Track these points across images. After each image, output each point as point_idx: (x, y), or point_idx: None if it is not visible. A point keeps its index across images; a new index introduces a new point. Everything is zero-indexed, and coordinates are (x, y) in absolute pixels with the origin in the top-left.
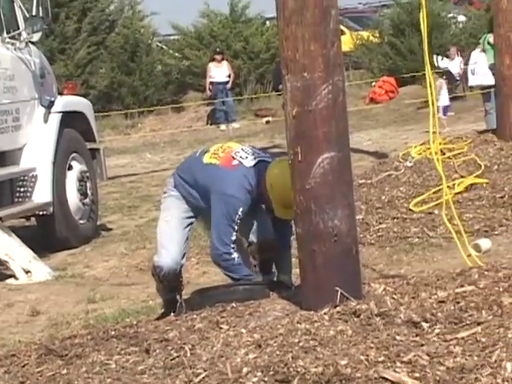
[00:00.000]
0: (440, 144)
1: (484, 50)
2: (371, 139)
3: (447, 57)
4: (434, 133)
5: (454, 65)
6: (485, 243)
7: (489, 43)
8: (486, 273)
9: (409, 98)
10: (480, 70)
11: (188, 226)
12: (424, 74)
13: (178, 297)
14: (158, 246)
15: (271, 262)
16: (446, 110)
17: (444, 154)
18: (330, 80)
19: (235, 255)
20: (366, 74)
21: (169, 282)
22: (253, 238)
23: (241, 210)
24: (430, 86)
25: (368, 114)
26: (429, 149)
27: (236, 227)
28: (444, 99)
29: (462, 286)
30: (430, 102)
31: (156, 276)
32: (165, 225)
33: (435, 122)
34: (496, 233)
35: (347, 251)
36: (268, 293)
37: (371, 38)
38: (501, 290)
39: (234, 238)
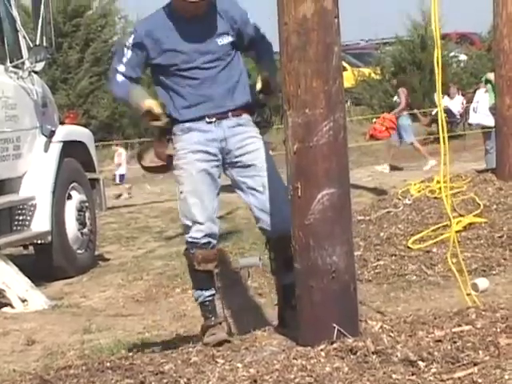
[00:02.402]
0: (438, 182)
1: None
2: (371, 175)
3: (448, 95)
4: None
5: (455, 103)
6: (482, 283)
7: (490, 82)
8: (483, 313)
9: None
10: (482, 109)
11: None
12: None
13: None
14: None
15: (291, 257)
16: (122, 178)
17: (445, 191)
18: (332, 117)
19: (120, 74)
20: (366, 110)
21: (208, 259)
22: (265, 225)
23: (132, 37)
24: (442, 125)
25: (368, 151)
26: (428, 187)
27: (127, 55)
28: (122, 168)
29: (460, 325)
30: (441, 141)
31: (193, 255)
32: None
33: (446, 160)
34: (494, 272)
35: (345, 288)
36: None
37: (372, 74)
38: (498, 330)
39: (121, 65)
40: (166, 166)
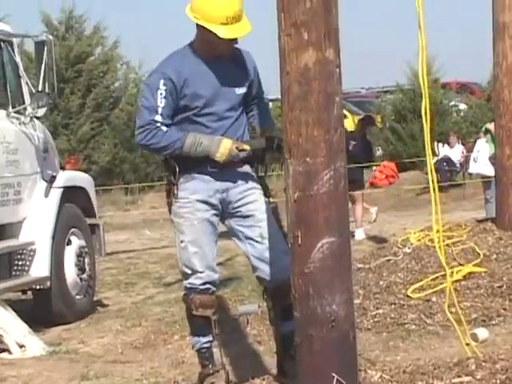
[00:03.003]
0: (439, 231)
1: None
2: (370, 223)
3: (448, 144)
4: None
5: (455, 152)
6: (482, 333)
7: (489, 132)
8: (483, 364)
9: (409, 183)
10: (482, 159)
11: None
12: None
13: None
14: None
15: (291, 305)
16: None
17: (443, 241)
18: (332, 166)
19: (160, 124)
20: None
21: (206, 305)
22: (263, 275)
23: (162, 82)
24: (431, 173)
25: (368, 198)
26: (428, 235)
27: (162, 103)
28: None
29: (459, 376)
30: (431, 189)
31: (191, 300)
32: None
33: (437, 208)
34: (493, 323)
35: (344, 337)
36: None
37: None
38: (498, 381)
39: (158, 116)
40: None
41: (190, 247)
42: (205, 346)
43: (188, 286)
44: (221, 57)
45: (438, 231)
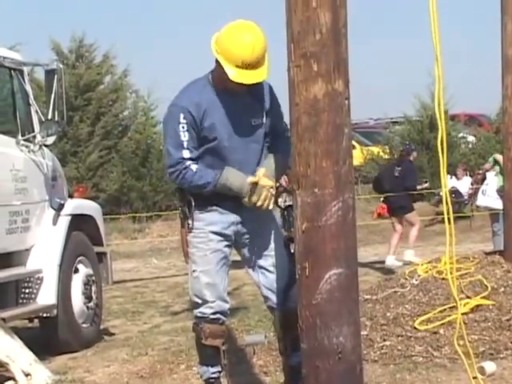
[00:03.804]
0: (446, 264)
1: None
2: (378, 254)
3: (455, 175)
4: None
5: (463, 184)
6: (490, 366)
7: (498, 164)
8: None
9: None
10: (491, 192)
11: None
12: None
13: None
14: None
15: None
16: None
17: (451, 273)
18: (341, 197)
19: (190, 162)
20: None
21: (215, 335)
22: (273, 304)
23: (182, 116)
24: (447, 204)
25: (375, 229)
26: (435, 267)
27: (185, 137)
28: None
29: None
30: (446, 221)
31: (201, 329)
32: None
33: (452, 240)
34: (501, 356)
35: (351, 369)
36: None
37: (381, 153)
38: None
39: (185, 151)
40: None
41: (201, 277)
42: (213, 375)
43: (198, 314)
44: (240, 91)
45: (451, 263)
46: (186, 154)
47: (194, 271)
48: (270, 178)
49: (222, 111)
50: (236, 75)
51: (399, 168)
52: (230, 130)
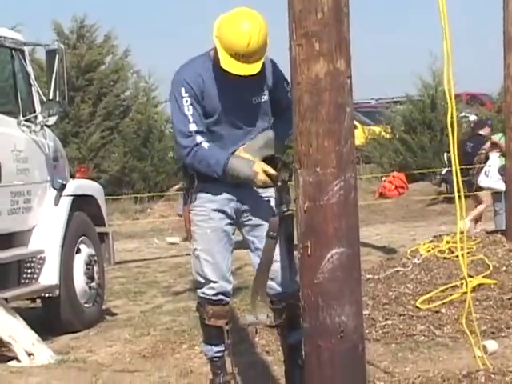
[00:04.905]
0: (448, 242)
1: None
2: (379, 234)
3: None
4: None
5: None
6: (491, 345)
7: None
8: (492, 376)
9: (418, 194)
10: (493, 174)
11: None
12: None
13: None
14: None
15: (297, 316)
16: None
17: (452, 252)
18: (343, 176)
19: (201, 139)
20: (376, 168)
21: (219, 315)
22: (270, 290)
23: (184, 90)
24: (458, 183)
25: (377, 209)
26: (437, 246)
27: (189, 110)
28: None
29: None
30: (456, 200)
31: (204, 310)
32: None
33: (462, 215)
34: (503, 335)
35: (353, 348)
36: None
37: (383, 133)
38: None
39: (192, 124)
40: None
41: (202, 256)
42: (217, 355)
43: (201, 295)
44: None
45: (448, 242)
46: (193, 126)
47: (195, 249)
48: (251, 154)
49: (221, 89)
50: (227, 64)
51: (471, 144)
52: (228, 108)
